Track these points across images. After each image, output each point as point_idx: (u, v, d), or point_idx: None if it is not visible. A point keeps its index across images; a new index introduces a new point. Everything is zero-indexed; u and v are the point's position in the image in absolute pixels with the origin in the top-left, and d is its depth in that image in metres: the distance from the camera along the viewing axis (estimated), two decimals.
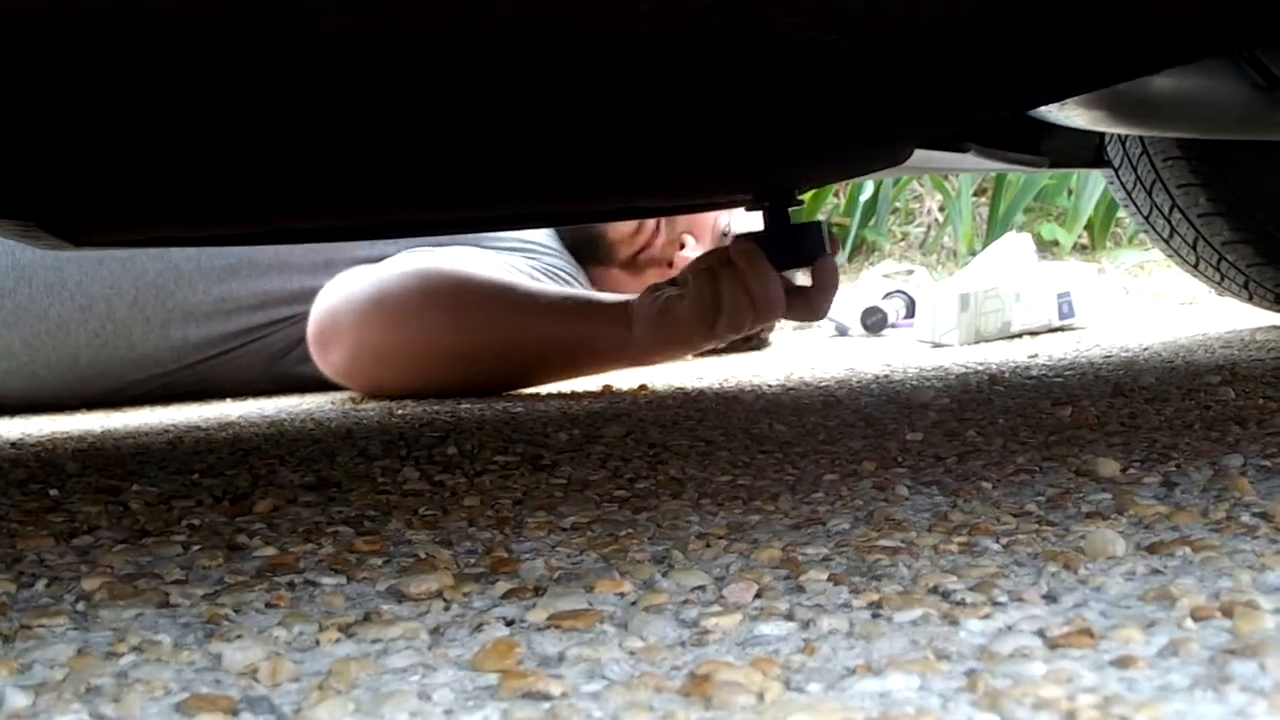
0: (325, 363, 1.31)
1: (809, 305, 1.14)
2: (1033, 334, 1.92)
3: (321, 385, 1.44)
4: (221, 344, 1.50)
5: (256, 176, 0.76)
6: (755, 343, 1.83)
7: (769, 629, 0.40)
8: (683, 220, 1.60)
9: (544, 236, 1.57)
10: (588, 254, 1.60)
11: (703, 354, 1.79)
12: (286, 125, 0.64)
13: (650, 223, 1.62)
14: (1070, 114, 0.99)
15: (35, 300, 1.44)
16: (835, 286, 1.14)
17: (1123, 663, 0.35)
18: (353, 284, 1.29)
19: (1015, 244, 2.11)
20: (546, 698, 0.35)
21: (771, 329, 1.88)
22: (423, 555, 0.53)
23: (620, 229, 1.60)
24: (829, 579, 0.46)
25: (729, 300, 1.12)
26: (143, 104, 0.58)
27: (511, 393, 1.36)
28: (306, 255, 1.48)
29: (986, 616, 0.40)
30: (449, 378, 1.28)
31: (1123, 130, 1.24)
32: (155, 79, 0.54)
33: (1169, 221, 1.58)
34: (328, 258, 1.44)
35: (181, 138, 0.65)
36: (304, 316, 1.37)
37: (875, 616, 0.41)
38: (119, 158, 0.68)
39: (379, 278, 1.28)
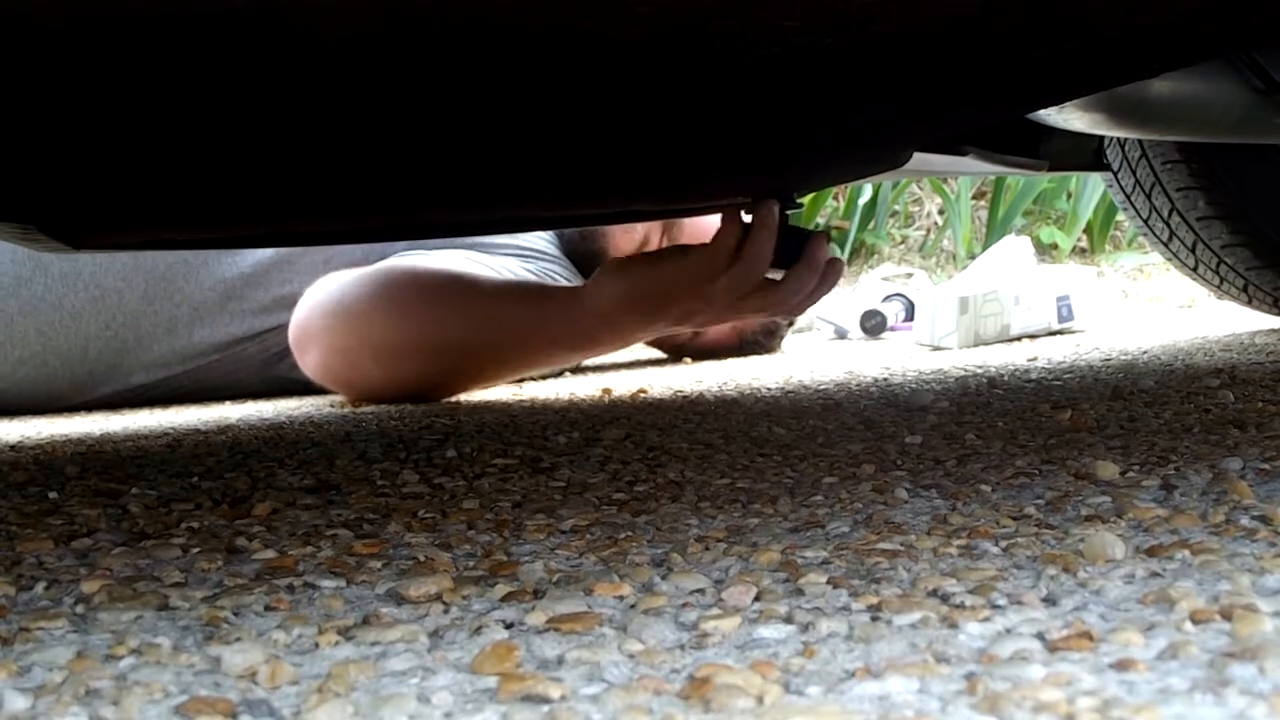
0: (304, 365, 1.33)
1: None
2: (1032, 337, 1.92)
3: (314, 390, 1.45)
4: (225, 347, 1.51)
5: (257, 180, 0.76)
6: (764, 348, 1.83)
7: (768, 632, 0.40)
8: (685, 238, 1.60)
9: (542, 242, 1.57)
10: (589, 268, 1.60)
11: (703, 354, 1.79)
12: (288, 128, 0.64)
13: (653, 240, 1.62)
14: (1069, 117, 0.99)
15: (51, 289, 1.45)
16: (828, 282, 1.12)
17: (1122, 666, 0.35)
18: (322, 288, 1.30)
19: (1014, 247, 2.11)
20: (546, 700, 0.35)
21: (784, 334, 1.87)
22: (422, 558, 0.53)
23: (622, 245, 1.60)
24: (828, 582, 0.46)
25: (751, 255, 1.05)
26: (143, 107, 0.58)
27: (504, 395, 1.36)
28: (307, 255, 1.48)
29: (986, 619, 0.40)
30: (413, 373, 1.28)
31: (1122, 133, 1.24)
32: (155, 82, 0.54)
33: (1168, 225, 1.58)
34: (327, 256, 1.45)
35: (181, 141, 0.65)
36: None
37: (874, 619, 0.41)
38: (119, 161, 0.68)
39: (342, 280, 1.29)
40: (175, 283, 1.48)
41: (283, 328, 1.49)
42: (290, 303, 1.46)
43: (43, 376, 1.48)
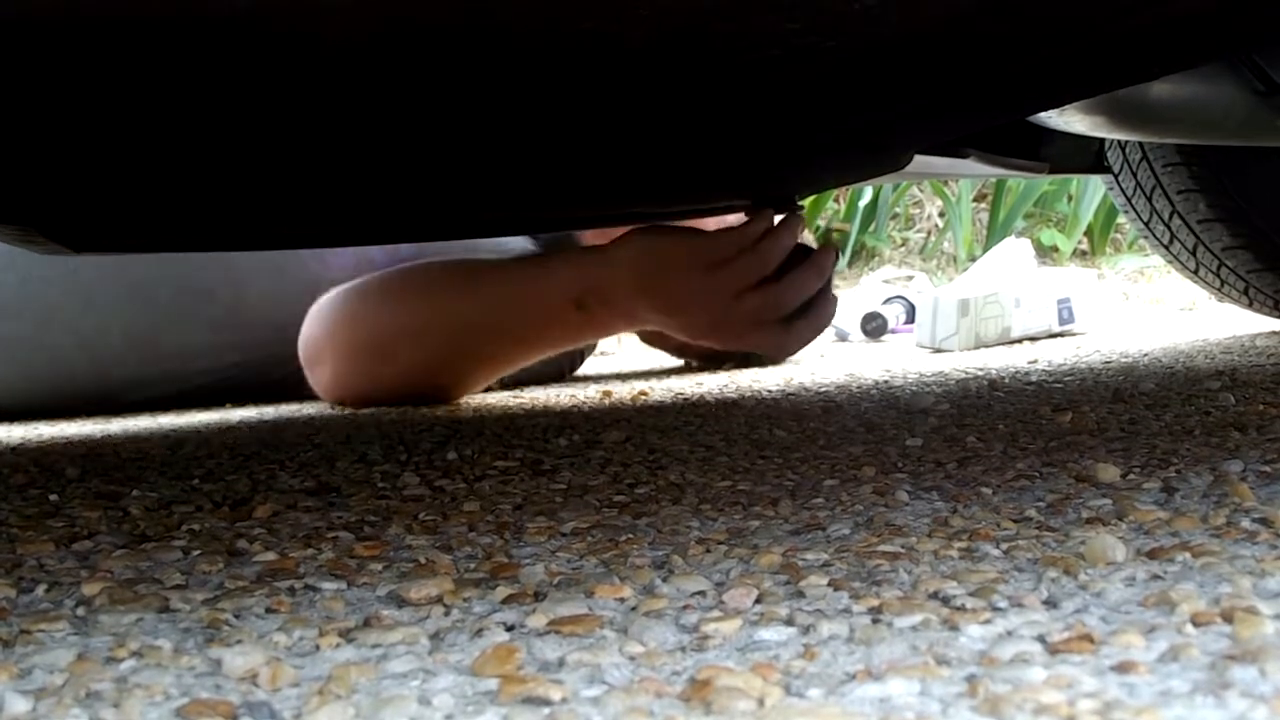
0: (317, 384, 1.32)
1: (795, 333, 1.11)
2: (1032, 339, 1.92)
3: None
4: (220, 374, 1.51)
5: (259, 184, 0.76)
6: (768, 363, 1.79)
7: (769, 634, 0.40)
8: None
9: (523, 242, 1.56)
10: None
11: (705, 357, 1.78)
12: (287, 132, 0.64)
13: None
14: (1070, 119, 0.99)
15: (26, 333, 1.45)
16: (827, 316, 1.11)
17: (1123, 668, 0.35)
18: (324, 303, 1.30)
19: (1014, 249, 2.11)
20: (546, 703, 0.35)
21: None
22: (423, 560, 0.53)
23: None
24: (829, 584, 0.46)
25: (768, 247, 1.05)
26: (145, 110, 0.58)
27: (504, 398, 1.36)
28: (296, 310, 1.46)
29: (987, 622, 0.40)
30: (423, 360, 1.27)
31: (1123, 136, 1.24)
32: (156, 86, 0.54)
33: (1169, 227, 1.58)
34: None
35: (183, 145, 0.65)
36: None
37: (875, 621, 0.41)
38: (121, 164, 0.68)
39: (342, 290, 1.29)
40: (155, 333, 1.48)
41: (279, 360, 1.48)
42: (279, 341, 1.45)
43: (32, 401, 1.49)
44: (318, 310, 1.30)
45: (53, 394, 1.48)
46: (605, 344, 2.12)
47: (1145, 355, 1.44)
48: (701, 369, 1.71)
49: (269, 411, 1.38)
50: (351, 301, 1.27)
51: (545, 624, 0.42)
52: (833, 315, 1.11)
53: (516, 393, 1.45)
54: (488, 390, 1.48)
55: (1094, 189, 3.32)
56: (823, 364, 1.67)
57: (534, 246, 1.57)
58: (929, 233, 3.57)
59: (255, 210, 0.86)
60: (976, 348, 1.81)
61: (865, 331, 2.13)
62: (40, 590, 0.51)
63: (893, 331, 2.15)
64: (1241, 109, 0.95)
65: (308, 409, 1.37)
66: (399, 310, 1.25)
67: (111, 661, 0.41)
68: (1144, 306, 2.74)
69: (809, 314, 1.09)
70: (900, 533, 0.54)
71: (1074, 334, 2.00)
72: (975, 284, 1.92)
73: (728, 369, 1.67)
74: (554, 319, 1.22)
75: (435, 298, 1.24)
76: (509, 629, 0.43)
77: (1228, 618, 0.38)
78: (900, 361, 1.63)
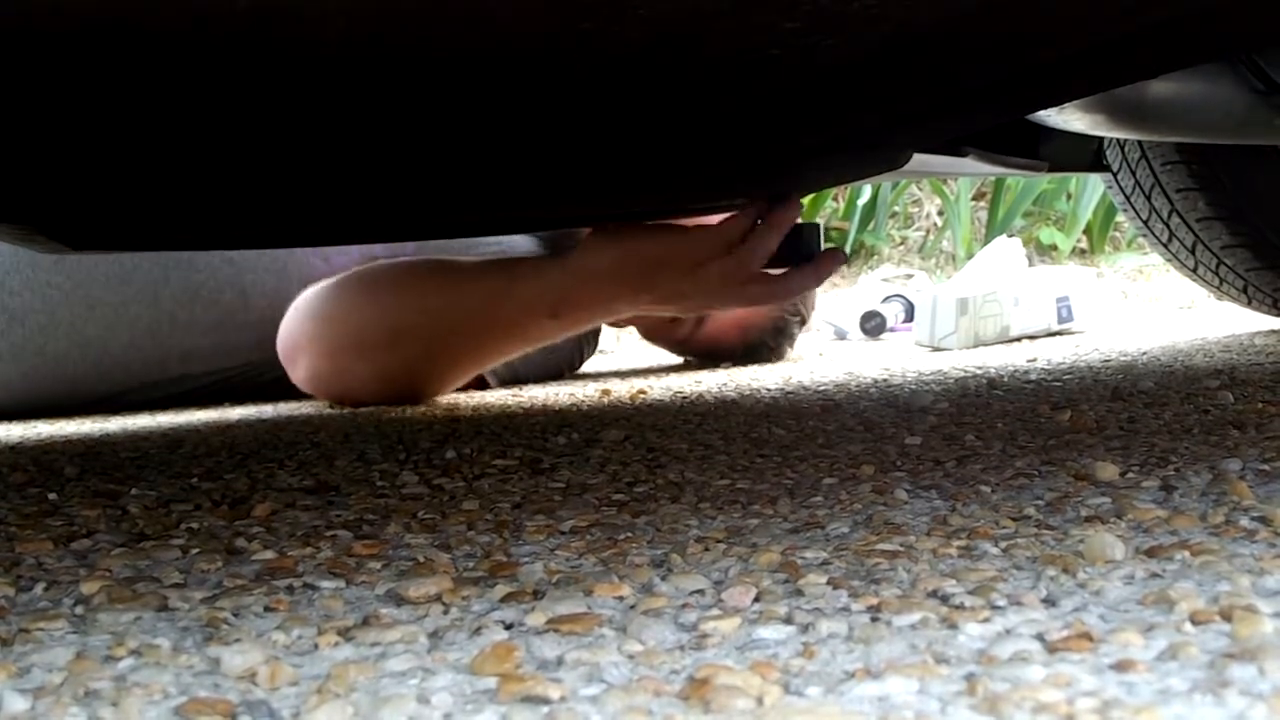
0: (294, 377, 1.32)
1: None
2: (1031, 338, 1.92)
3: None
4: (222, 375, 1.52)
5: (258, 184, 0.76)
6: (773, 352, 1.79)
7: (768, 633, 0.40)
8: None
9: (525, 240, 1.56)
10: None
11: (705, 353, 1.78)
12: (286, 132, 0.64)
13: None
14: (1069, 118, 0.99)
15: (30, 339, 1.45)
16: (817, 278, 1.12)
17: (1122, 667, 0.35)
18: (303, 300, 1.29)
19: (1005, 248, 2.11)
20: (545, 701, 0.35)
21: (795, 334, 1.82)
22: (421, 559, 0.53)
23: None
24: (828, 583, 0.46)
25: (753, 249, 1.05)
26: (145, 111, 0.58)
27: (503, 398, 1.36)
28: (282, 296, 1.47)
29: (985, 620, 0.40)
30: (400, 361, 1.25)
31: (1122, 134, 1.24)
32: (156, 87, 0.54)
33: (1168, 226, 1.58)
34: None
35: (183, 145, 0.65)
36: None
37: (874, 620, 0.41)
38: (121, 164, 0.68)
39: (321, 287, 1.28)
40: (161, 333, 1.48)
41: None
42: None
43: (35, 404, 1.49)
44: (296, 307, 1.30)
45: (55, 397, 1.48)
46: (605, 343, 2.11)
47: (1144, 354, 1.44)
48: (700, 367, 1.71)
49: (268, 410, 1.37)
50: (329, 299, 1.27)
51: (544, 622, 0.42)
52: (835, 263, 1.12)
53: (515, 391, 1.45)
54: (484, 388, 1.48)
55: (1093, 187, 3.32)
56: (821, 362, 1.67)
57: (537, 246, 1.57)
58: (928, 231, 3.57)
59: (255, 209, 0.86)
60: (975, 346, 1.81)
61: (864, 330, 2.13)
62: (39, 589, 0.51)
63: (892, 330, 2.15)
64: (1241, 108, 0.96)
65: (306, 408, 1.37)
66: (376, 310, 1.25)
67: (110, 660, 0.41)
68: (1143, 305, 2.74)
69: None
70: (899, 531, 0.54)
71: (1073, 332, 2.00)
72: (973, 283, 1.92)
73: (726, 367, 1.67)
74: (529, 326, 1.23)
75: (412, 299, 1.24)
76: (508, 627, 0.43)
77: (1226, 616, 0.38)
78: (899, 360, 1.63)
